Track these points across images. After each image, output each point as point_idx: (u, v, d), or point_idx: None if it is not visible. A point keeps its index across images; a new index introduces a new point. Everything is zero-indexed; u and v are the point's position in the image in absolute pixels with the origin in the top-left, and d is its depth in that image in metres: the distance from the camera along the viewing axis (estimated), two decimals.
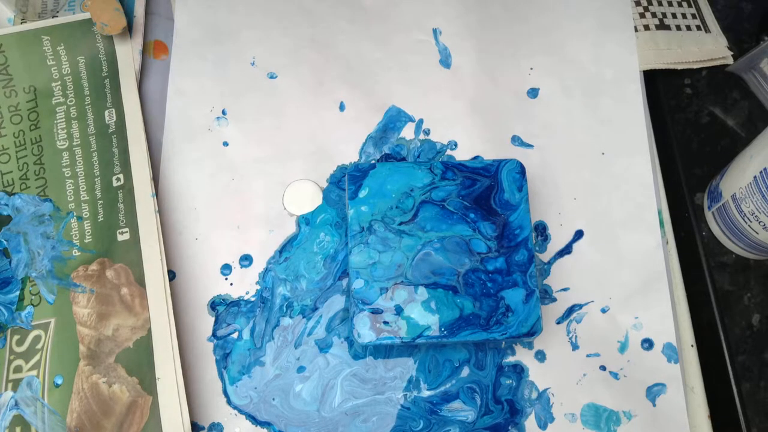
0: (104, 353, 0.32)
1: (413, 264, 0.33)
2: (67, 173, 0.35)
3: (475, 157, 0.38)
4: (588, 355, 0.35)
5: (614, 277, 0.36)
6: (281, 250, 0.36)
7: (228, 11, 0.40)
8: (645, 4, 0.42)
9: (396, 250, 0.33)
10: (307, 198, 0.37)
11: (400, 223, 0.33)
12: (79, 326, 0.32)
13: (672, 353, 0.35)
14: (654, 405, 0.34)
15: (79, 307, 0.32)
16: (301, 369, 0.34)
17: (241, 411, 0.33)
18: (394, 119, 0.39)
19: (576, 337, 0.35)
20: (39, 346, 0.32)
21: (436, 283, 0.32)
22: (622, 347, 0.35)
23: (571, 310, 0.36)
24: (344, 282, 0.35)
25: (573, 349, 0.35)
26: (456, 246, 0.33)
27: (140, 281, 0.33)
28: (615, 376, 0.34)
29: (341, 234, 0.36)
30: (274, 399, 0.33)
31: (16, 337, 0.32)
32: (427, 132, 0.39)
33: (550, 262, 0.36)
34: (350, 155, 0.38)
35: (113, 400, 0.31)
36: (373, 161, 0.38)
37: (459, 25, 0.41)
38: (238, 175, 0.37)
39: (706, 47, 0.41)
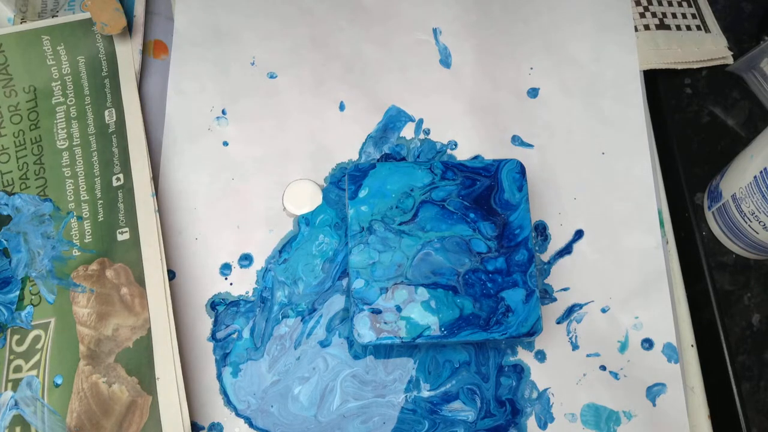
0: (104, 353, 0.32)
1: (413, 264, 0.33)
2: (67, 173, 0.35)
3: (475, 157, 0.38)
4: (588, 355, 0.35)
5: (614, 277, 0.36)
6: (281, 250, 0.36)
7: (228, 11, 0.40)
8: (645, 3, 0.42)
9: (396, 250, 0.33)
10: (307, 198, 0.37)
11: (400, 223, 0.33)
12: (79, 326, 0.32)
13: (672, 353, 0.35)
14: (654, 405, 0.34)
15: (79, 307, 0.32)
16: (300, 369, 0.34)
17: (239, 414, 0.33)
18: (394, 119, 0.39)
19: (576, 337, 0.35)
20: (39, 346, 0.32)
21: (436, 283, 0.32)
22: (622, 347, 0.35)
23: (571, 310, 0.36)
24: (344, 282, 0.35)
25: (573, 349, 0.35)
26: (456, 246, 0.33)
27: (140, 281, 0.33)
28: (615, 376, 0.34)
29: (341, 235, 0.36)
30: (272, 406, 0.33)
31: (16, 337, 0.32)
32: (427, 132, 0.39)
33: (550, 262, 0.36)
34: (350, 155, 0.38)
35: (113, 399, 0.31)
36: (373, 161, 0.38)
37: (459, 25, 0.41)
38: (238, 174, 0.37)
39: (706, 47, 0.41)
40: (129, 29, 0.38)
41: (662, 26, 0.41)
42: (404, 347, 0.34)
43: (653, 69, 0.40)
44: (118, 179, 0.35)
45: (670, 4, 0.42)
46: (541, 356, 0.35)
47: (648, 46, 0.41)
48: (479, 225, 0.33)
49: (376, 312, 0.32)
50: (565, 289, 0.36)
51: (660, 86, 0.41)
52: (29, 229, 0.34)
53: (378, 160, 0.38)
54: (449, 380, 0.34)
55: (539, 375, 0.34)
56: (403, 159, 0.38)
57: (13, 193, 0.35)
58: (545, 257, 0.36)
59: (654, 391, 0.34)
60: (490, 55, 0.40)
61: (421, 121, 0.39)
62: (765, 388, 0.35)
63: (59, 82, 0.37)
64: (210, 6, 0.40)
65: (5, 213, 0.34)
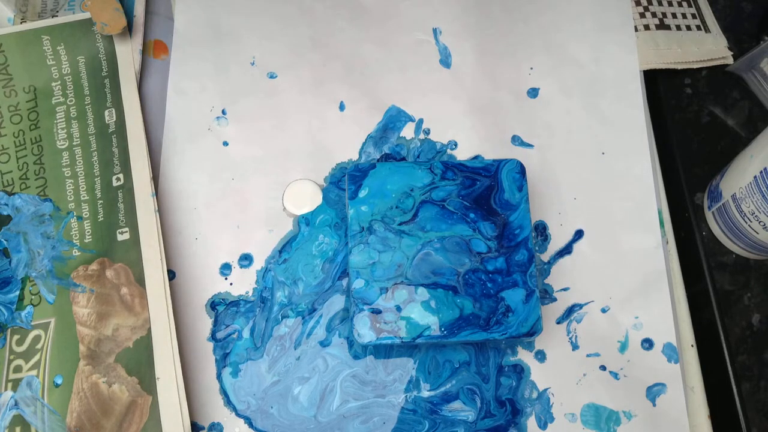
0: (104, 353, 0.32)
1: (413, 264, 0.33)
2: (67, 173, 0.35)
3: (475, 157, 0.38)
4: (588, 355, 0.35)
5: (614, 277, 0.36)
6: (281, 250, 0.36)
7: (228, 11, 0.40)
8: (645, 4, 0.42)
9: (396, 250, 0.33)
10: (307, 198, 0.37)
11: (400, 223, 0.33)
12: (79, 326, 0.32)
13: (672, 353, 0.35)
14: (654, 405, 0.34)
15: (79, 307, 0.32)
16: (300, 369, 0.34)
17: (239, 414, 0.33)
18: (394, 119, 0.39)
19: (576, 337, 0.35)
20: (39, 346, 0.32)
21: (436, 283, 0.32)
22: (622, 347, 0.35)
23: (571, 310, 0.36)
24: (344, 282, 0.35)
25: (573, 349, 0.35)
26: (456, 246, 0.33)
27: (140, 281, 0.33)
28: (615, 376, 0.34)
29: (340, 236, 0.36)
30: (272, 407, 0.33)
31: (16, 337, 0.32)
32: (427, 132, 0.39)
33: (550, 262, 0.36)
34: (350, 155, 0.38)
35: (113, 399, 0.31)
36: (373, 161, 0.38)
37: (459, 25, 0.41)
38: (238, 174, 0.37)
39: (706, 47, 0.41)
40: (129, 29, 0.38)
41: (662, 26, 0.41)
42: (404, 347, 0.34)
43: (653, 69, 0.40)
44: (118, 179, 0.35)
45: (670, 4, 0.42)
46: (541, 356, 0.35)
47: (648, 46, 0.41)
48: (479, 225, 0.33)
49: (376, 312, 0.32)
50: (565, 289, 0.36)
51: (660, 86, 0.41)
52: (29, 229, 0.34)
53: (378, 160, 0.38)
54: (449, 380, 0.34)
55: (539, 375, 0.34)
56: (403, 159, 0.38)
57: (13, 193, 0.35)
58: (545, 257, 0.36)
59: (654, 391, 0.34)
60: (490, 55, 0.40)
61: (421, 121, 0.39)
62: (765, 388, 0.35)
63: (59, 82, 0.37)
64: (210, 6, 0.40)
65: (5, 213, 0.34)
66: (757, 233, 0.35)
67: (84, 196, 0.35)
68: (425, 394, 0.34)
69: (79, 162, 0.36)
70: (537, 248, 0.37)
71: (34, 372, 0.32)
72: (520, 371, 0.34)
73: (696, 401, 0.35)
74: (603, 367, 0.35)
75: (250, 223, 0.36)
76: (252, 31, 0.40)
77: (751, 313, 0.37)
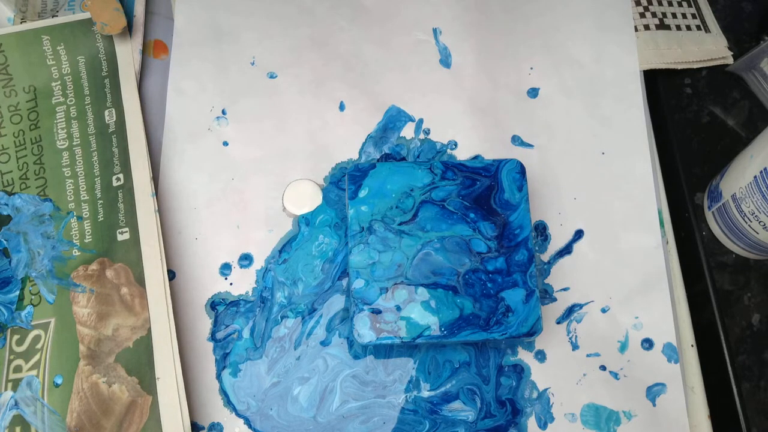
0: (104, 353, 0.32)
1: (413, 264, 0.33)
2: (67, 173, 0.35)
3: (475, 157, 0.38)
4: (588, 355, 0.35)
5: (614, 277, 0.36)
6: (281, 250, 0.36)
7: (228, 11, 0.40)
8: (645, 4, 0.42)
9: (396, 250, 0.33)
10: (307, 198, 0.37)
11: (400, 223, 0.33)
12: (79, 326, 0.32)
13: (672, 353, 0.35)
14: (654, 405, 0.34)
15: (79, 307, 0.33)
16: (300, 370, 0.34)
17: (239, 414, 0.33)
18: (394, 119, 0.39)
19: (576, 337, 0.35)
20: (39, 346, 0.32)
21: (436, 283, 0.32)
22: (622, 347, 0.35)
23: (571, 310, 0.36)
24: (344, 282, 0.35)
25: (573, 349, 0.35)
26: (456, 246, 0.33)
27: (140, 281, 0.33)
28: (615, 376, 0.34)
29: (340, 236, 0.36)
30: (271, 409, 0.33)
31: (15, 337, 0.32)
32: (427, 132, 0.39)
33: (550, 262, 0.36)
34: (350, 155, 0.38)
35: (113, 399, 0.31)
36: (373, 161, 0.38)
37: (459, 25, 0.41)
38: (238, 174, 0.37)
39: (706, 47, 0.41)
40: (129, 29, 0.38)
41: (662, 26, 0.41)
42: (404, 347, 0.34)
43: (653, 69, 0.40)
44: (118, 179, 0.35)
45: (670, 4, 0.42)
46: (541, 356, 0.35)
47: (648, 46, 0.41)
48: (479, 225, 0.33)
49: (376, 312, 0.32)
50: (565, 289, 0.36)
51: (660, 86, 0.41)
52: (29, 229, 0.34)
53: (378, 160, 0.38)
54: (449, 380, 0.34)
55: (539, 375, 0.34)
56: (403, 159, 0.38)
57: (13, 193, 0.35)
58: (545, 257, 0.36)
59: (654, 391, 0.34)
60: (490, 55, 0.40)
61: (421, 121, 0.39)
62: (765, 388, 0.35)
63: (59, 82, 0.37)
64: (210, 6, 0.40)
65: (5, 213, 0.34)
66: (757, 233, 0.35)
67: (84, 196, 0.35)
68: (425, 394, 0.34)
69: (79, 162, 0.36)
70: (537, 248, 0.37)
71: (34, 372, 0.32)
72: (520, 371, 0.34)
73: (696, 401, 0.35)
74: (603, 367, 0.35)
75: (250, 223, 0.36)
76: (252, 31, 0.40)
77: (751, 313, 0.37)
